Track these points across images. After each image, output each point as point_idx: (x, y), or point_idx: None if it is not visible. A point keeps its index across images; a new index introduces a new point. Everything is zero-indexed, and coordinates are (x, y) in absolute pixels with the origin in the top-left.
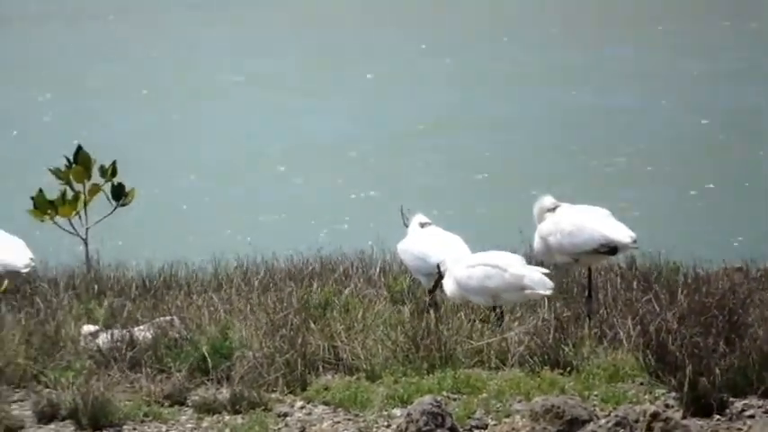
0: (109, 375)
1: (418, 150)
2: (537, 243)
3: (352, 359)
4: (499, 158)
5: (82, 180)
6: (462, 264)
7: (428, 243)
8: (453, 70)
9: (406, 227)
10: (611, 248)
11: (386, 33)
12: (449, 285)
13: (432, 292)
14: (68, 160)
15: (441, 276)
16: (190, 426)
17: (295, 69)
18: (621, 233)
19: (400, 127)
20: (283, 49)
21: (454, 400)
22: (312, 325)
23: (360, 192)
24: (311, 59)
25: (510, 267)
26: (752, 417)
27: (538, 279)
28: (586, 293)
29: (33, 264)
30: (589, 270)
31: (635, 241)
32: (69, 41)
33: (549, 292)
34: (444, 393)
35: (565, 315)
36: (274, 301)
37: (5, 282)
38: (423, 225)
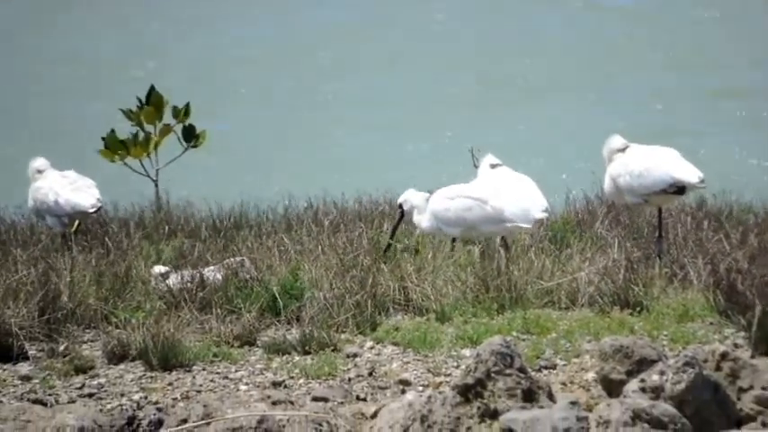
0: (179, 316)
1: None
2: (607, 184)
3: (422, 300)
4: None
5: (153, 121)
6: (440, 195)
7: (500, 184)
8: None
9: (476, 168)
10: (680, 188)
11: None
12: (424, 218)
13: (392, 234)
14: (140, 101)
15: (402, 215)
16: (259, 366)
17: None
18: (690, 173)
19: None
20: None
21: (523, 340)
22: (382, 266)
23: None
24: None
25: (491, 200)
26: None
27: (519, 212)
28: (657, 234)
29: (101, 204)
30: (659, 210)
31: (703, 181)
32: None
33: (530, 225)
34: (514, 334)
35: (635, 255)
36: (344, 242)
37: (76, 222)
38: (493, 166)
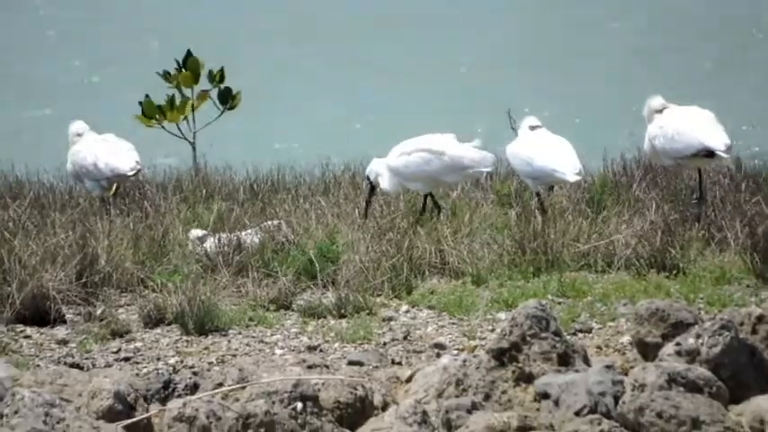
0: (215, 280)
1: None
2: (646, 145)
3: (458, 263)
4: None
5: (190, 85)
6: (396, 152)
7: (535, 147)
8: None
9: (514, 130)
10: (710, 153)
11: None
12: (385, 179)
13: (366, 212)
14: (178, 64)
15: (372, 187)
16: (295, 330)
17: None
18: (717, 140)
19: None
20: None
21: (559, 303)
22: (419, 229)
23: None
24: None
25: (448, 150)
26: None
27: (478, 157)
28: (695, 196)
29: (139, 167)
30: (699, 172)
31: (729, 149)
32: None
33: (490, 168)
34: (549, 297)
35: (672, 218)
36: (381, 205)
37: (114, 185)
38: (533, 128)
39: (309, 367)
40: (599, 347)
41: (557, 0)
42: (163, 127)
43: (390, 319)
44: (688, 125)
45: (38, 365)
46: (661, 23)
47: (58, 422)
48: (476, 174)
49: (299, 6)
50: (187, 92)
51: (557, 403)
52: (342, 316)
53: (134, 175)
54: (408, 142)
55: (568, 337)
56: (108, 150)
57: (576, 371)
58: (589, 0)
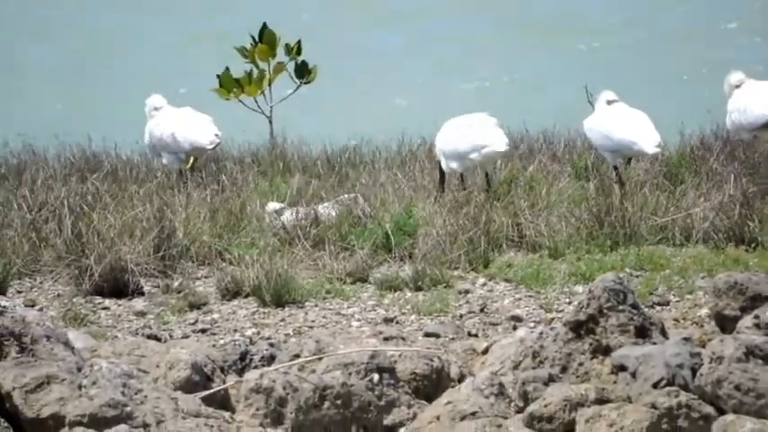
0: (292, 253)
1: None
2: (727, 119)
3: (536, 236)
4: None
5: (267, 58)
6: (445, 130)
7: (614, 120)
8: None
9: (591, 104)
10: None
11: None
12: (443, 162)
13: (441, 186)
14: (254, 39)
15: (442, 171)
16: (371, 303)
17: None
18: None
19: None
20: None
21: (636, 276)
22: (496, 202)
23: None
24: None
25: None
26: None
27: (495, 139)
28: None
29: (218, 140)
30: None
31: None
32: None
33: (506, 149)
34: (627, 270)
35: (751, 191)
36: (458, 178)
37: (192, 159)
38: (610, 102)
39: (386, 339)
40: (676, 320)
41: None
42: (240, 101)
43: (467, 291)
44: (758, 97)
45: (116, 337)
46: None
47: (135, 393)
48: (492, 155)
49: None
50: (263, 66)
51: (634, 375)
52: (418, 289)
53: (213, 148)
54: (447, 123)
55: (646, 309)
56: (187, 123)
57: (654, 343)
58: None
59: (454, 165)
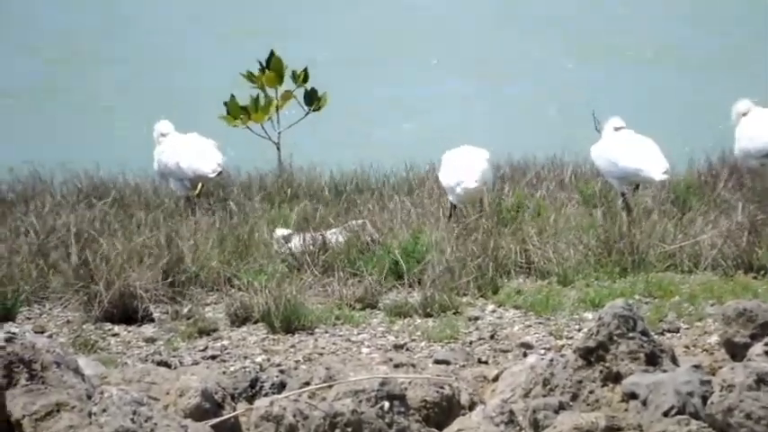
0: (301, 279)
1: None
2: (735, 147)
3: (544, 263)
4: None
5: (274, 85)
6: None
7: (621, 147)
8: None
9: (598, 131)
10: None
11: None
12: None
13: (450, 212)
14: (261, 65)
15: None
16: (381, 329)
17: None
18: None
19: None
20: None
21: (646, 303)
22: (504, 229)
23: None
24: None
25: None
26: None
27: (475, 173)
28: None
29: (221, 168)
30: None
31: None
32: None
33: (475, 185)
34: (636, 297)
35: (759, 218)
36: (465, 206)
37: (199, 185)
38: (617, 129)
39: (396, 366)
40: (687, 347)
41: None
42: (248, 127)
43: (477, 318)
44: (764, 126)
45: (125, 363)
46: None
47: (145, 420)
48: (468, 191)
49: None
50: (271, 92)
51: (644, 403)
52: (428, 315)
53: (216, 176)
54: (444, 155)
55: (656, 336)
56: (191, 151)
57: (664, 371)
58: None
59: (450, 197)
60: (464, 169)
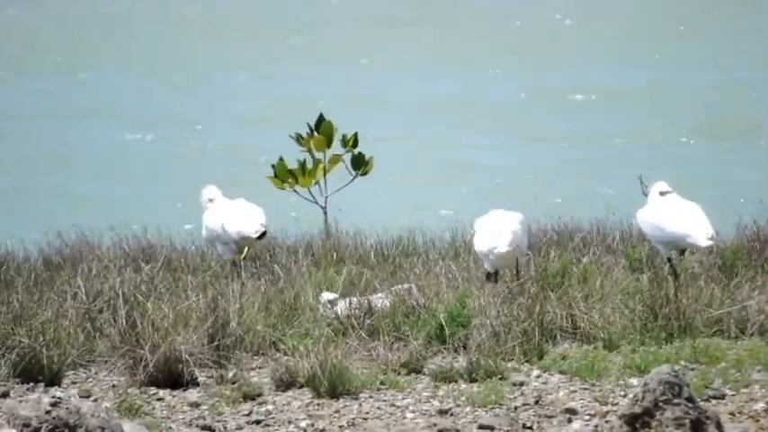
0: (347, 343)
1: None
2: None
3: (590, 328)
4: None
5: (323, 149)
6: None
7: (666, 212)
8: None
9: (645, 195)
10: None
11: None
12: None
13: (495, 276)
14: (310, 128)
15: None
16: (426, 394)
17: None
18: None
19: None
20: None
21: (692, 369)
22: (550, 293)
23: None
24: None
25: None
26: None
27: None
28: None
29: (264, 229)
30: None
31: None
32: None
33: (507, 249)
34: (682, 363)
35: None
36: (511, 270)
37: (245, 249)
38: (663, 193)
39: (441, 431)
40: (732, 414)
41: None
42: (295, 190)
43: (522, 383)
44: None
45: (170, 428)
46: None
47: None
48: (501, 255)
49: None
50: (319, 155)
51: None
52: (473, 380)
53: (259, 237)
54: (477, 221)
55: (701, 403)
56: (235, 214)
57: None
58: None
59: (485, 264)
60: (496, 234)
